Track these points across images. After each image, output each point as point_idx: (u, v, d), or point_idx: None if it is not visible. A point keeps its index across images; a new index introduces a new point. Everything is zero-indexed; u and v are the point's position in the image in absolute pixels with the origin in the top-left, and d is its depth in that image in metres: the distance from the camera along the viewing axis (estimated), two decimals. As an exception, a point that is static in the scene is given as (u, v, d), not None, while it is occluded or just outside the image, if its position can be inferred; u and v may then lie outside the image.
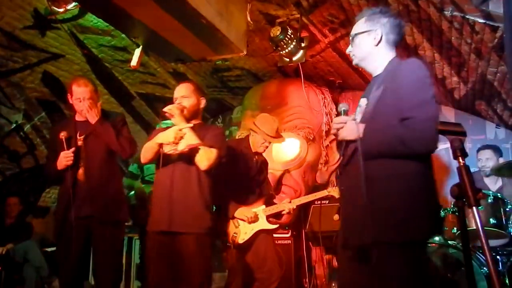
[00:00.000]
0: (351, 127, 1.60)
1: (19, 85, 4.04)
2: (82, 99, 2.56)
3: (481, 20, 2.51)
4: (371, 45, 1.73)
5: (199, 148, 2.26)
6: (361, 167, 1.52)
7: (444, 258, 2.78)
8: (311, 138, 4.31)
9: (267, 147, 3.11)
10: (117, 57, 4.05)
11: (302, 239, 4.06)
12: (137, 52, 3.28)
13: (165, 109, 2.29)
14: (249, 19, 3.27)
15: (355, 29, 1.79)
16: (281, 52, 3.53)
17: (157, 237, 2.29)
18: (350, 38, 1.79)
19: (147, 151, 2.33)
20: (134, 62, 3.26)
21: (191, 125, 2.25)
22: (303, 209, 4.26)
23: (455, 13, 2.58)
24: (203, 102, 2.52)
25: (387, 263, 1.48)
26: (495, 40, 2.70)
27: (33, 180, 4.66)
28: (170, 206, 2.26)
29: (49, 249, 4.15)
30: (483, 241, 1.04)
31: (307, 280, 3.89)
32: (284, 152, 4.35)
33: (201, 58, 3.36)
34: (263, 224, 2.94)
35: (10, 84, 3.97)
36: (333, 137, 1.88)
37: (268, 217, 2.98)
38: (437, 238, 2.94)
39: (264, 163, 3.24)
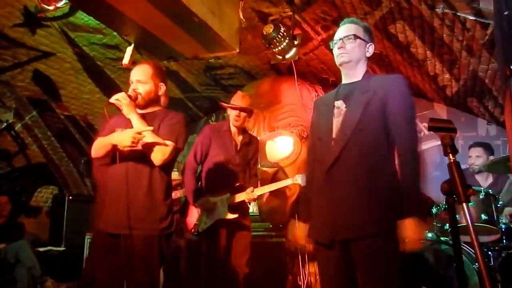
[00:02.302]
0: None
1: (9, 84, 3.99)
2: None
3: (472, 17, 2.53)
4: (364, 55, 1.86)
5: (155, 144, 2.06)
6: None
7: (436, 254, 2.79)
8: (305, 136, 4.31)
9: (238, 117, 3.01)
10: (109, 55, 4.02)
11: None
12: (129, 50, 3.26)
13: (112, 100, 2.07)
14: (241, 16, 3.26)
15: (356, 31, 1.86)
16: (274, 50, 3.52)
17: (105, 238, 2.07)
18: (350, 35, 1.84)
19: (99, 148, 2.12)
20: (126, 60, 3.24)
21: (151, 128, 2.04)
22: (297, 207, 4.27)
23: (446, 10, 2.59)
24: (162, 88, 2.24)
25: (393, 248, 1.63)
26: (486, 37, 2.72)
27: (24, 180, 4.62)
28: (121, 206, 2.05)
29: (41, 249, 4.12)
30: (473, 237, 1.05)
31: (301, 278, 3.90)
32: (278, 150, 4.36)
33: (193, 56, 3.35)
34: (222, 213, 2.87)
35: (0, 83, 3.92)
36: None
37: (230, 206, 2.89)
38: (429, 235, 2.97)
39: (249, 146, 3.12)
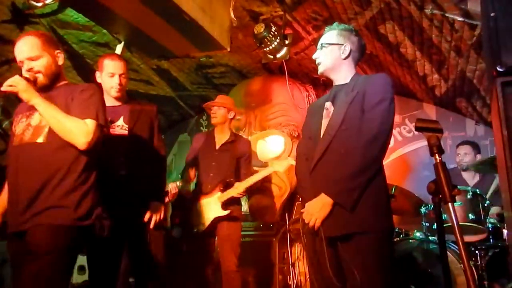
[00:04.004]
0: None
1: (-3, 81, 3.94)
2: (113, 75, 2.35)
3: (460, 18, 2.56)
4: (339, 58, 1.90)
5: (68, 122, 1.69)
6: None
7: (424, 253, 2.82)
8: (296, 135, 4.32)
9: (214, 113, 3.20)
10: (99, 53, 3.97)
11: (287, 236, 4.08)
12: (119, 48, 3.24)
13: (5, 86, 1.67)
14: (232, 15, 3.25)
15: (326, 39, 1.94)
16: (265, 49, 3.52)
17: (13, 241, 1.77)
18: (319, 45, 1.94)
19: None
20: (116, 58, 3.21)
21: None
22: (288, 206, 4.28)
23: (435, 11, 2.62)
24: (61, 58, 1.87)
25: (377, 248, 1.68)
26: (474, 38, 2.75)
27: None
28: (24, 199, 1.71)
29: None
30: (458, 236, 1.06)
31: (291, 277, 3.91)
32: (269, 149, 4.36)
33: (184, 54, 3.35)
34: (217, 211, 3.00)
35: (-13, 80, 3.87)
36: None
37: (223, 203, 3.00)
38: (418, 234, 3.00)
39: (233, 144, 3.21)
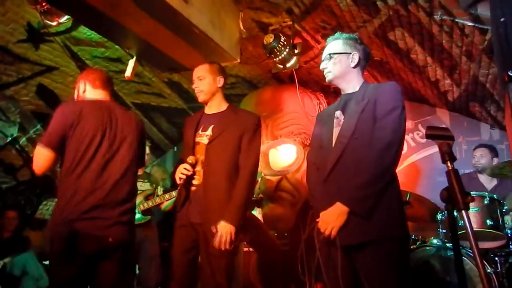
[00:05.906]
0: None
1: (13, 98, 4.05)
2: (193, 81, 2.33)
3: (470, 23, 2.54)
4: (348, 66, 1.91)
5: None
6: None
7: (442, 261, 2.77)
8: (307, 144, 4.31)
9: None
10: (111, 68, 4.06)
11: (302, 245, 4.05)
12: (131, 62, 3.30)
13: None
14: (241, 27, 3.29)
15: (333, 49, 1.95)
16: (275, 59, 3.55)
17: None
18: (327, 55, 1.94)
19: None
20: (128, 72, 3.28)
21: None
22: (302, 214, 4.26)
23: (445, 17, 2.61)
24: None
25: (392, 255, 1.67)
26: (485, 42, 2.73)
27: (29, 193, 4.65)
28: None
29: (46, 262, 4.12)
30: (473, 244, 1.05)
31: (307, 286, 3.87)
32: (281, 158, 4.36)
33: (195, 67, 3.38)
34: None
35: (4, 98, 3.98)
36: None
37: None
38: (435, 241, 2.95)
39: None
